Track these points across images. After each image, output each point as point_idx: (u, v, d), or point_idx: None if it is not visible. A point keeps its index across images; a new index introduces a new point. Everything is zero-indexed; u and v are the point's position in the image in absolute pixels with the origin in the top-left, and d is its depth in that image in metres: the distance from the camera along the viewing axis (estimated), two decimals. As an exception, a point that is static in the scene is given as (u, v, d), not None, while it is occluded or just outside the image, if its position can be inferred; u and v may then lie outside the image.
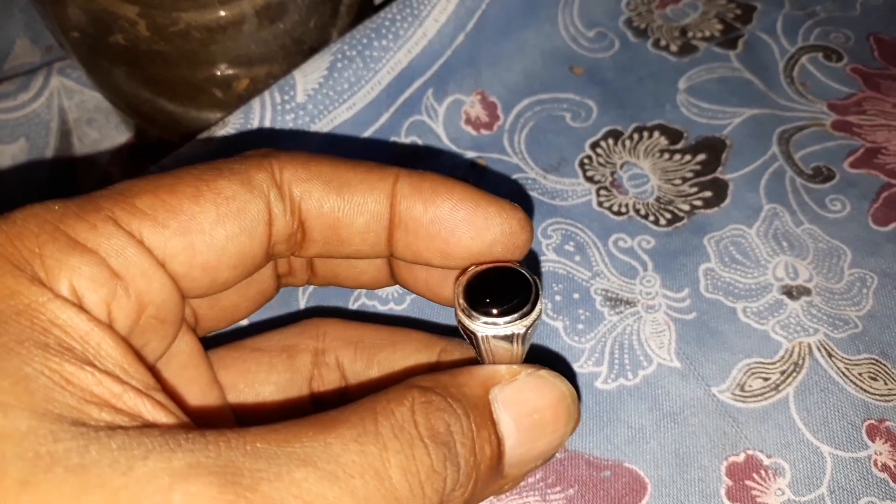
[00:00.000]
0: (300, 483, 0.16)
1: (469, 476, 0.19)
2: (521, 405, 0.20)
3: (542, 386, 0.21)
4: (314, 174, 0.21)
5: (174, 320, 0.20)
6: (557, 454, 0.29)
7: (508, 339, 0.21)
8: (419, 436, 0.18)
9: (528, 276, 0.21)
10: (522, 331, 0.21)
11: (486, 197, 0.22)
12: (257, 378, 0.25)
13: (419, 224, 0.21)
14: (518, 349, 0.21)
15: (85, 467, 0.15)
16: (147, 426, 0.16)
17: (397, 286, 0.33)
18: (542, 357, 0.32)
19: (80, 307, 0.17)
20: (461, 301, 0.21)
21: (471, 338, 0.21)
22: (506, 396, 0.20)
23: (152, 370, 0.20)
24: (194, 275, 0.20)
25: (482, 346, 0.21)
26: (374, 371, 0.25)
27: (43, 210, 0.18)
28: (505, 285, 0.21)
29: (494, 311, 0.21)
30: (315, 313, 0.32)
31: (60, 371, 0.16)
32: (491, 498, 0.28)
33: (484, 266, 0.22)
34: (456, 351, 0.25)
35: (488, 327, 0.21)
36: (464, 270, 0.22)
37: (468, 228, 0.21)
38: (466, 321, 0.21)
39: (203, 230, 0.19)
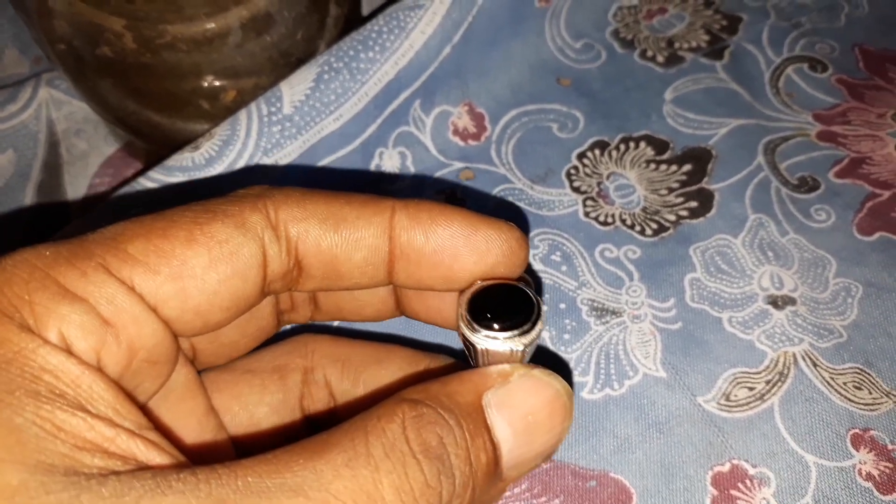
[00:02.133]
0: None
1: (466, 486, 0.19)
2: (515, 408, 0.20)
3: (536, 386, 0.21)
4: (310, 213, 0.21)
5: (167, 360, 0.20)
6: (544, 464, 0.29)
7: (508, 354, 0.21)
8: (411, 452, 0.18)
9: (531, 295, 0.22)
10: (521, 347, 0.21)
11: (483, 219, 0.22)
12: (251, 400, 0.25)
13: (422, 254, 0.22)
14: None
15: None
16: (140, 469, 0.16)
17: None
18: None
19: (70, 352, 0.17)
20: (465, 313, 0.21)
21: (470, 350, 0.22)
22: (499, 400, 0.20)
23: (146, 408, 0.21)
24: (186, 318, 0.20)
25: (481, 361, 0.21)
26: (361, 389, 0.25)
27: (34, 256, 0.18)
28: (508, 302, 0.21)
29: (496, 326, 0.21)
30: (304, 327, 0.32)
31: (52, 419, 0.16)
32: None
33: (489, 282, 0.22)
34: (441, 366, 0.25)
35: (488, 340, 0.21)
36: (470, 284, 0.22)
37: (471, 253, 0.22)
38: (468, 333, 0.21)
39: (195, 275, 0.19)
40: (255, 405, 0.25)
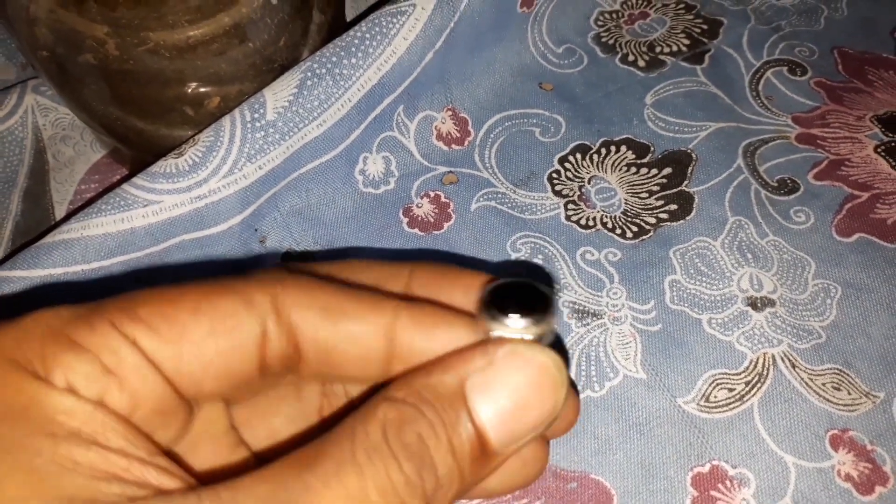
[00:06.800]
0: None
1: (451, 475, 0.19)
2: (498, 388, 0.20)
3: (520, 364, 0.20)
4: (314, 302, 0.22)
5: (176, 412, 0.21)
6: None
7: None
8: (392, 454, 0.18)
9: (543, 290, 0.22)
10: (530, 337, 0.21)
11: None
12: (268, 410, 0.25)
13: (423, 357, 0.22)
14: None
15: None
16: (156, 494, 0.17)
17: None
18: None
19: (78, 395, 0.18)
20: (483, 303, 0.22)
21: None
22: (482, 382, 0.20)
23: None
24: (179, 381, 0.21)
25: None
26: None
27: (51, 316, 0.19)
28: (523, 297, 0.22)
29: (509, 316, 0.21)
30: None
31: (69, 455, 0.17)
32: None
33: (505, 280, 0.22)
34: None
35: (502, 330, 0.21)
36: (489, 280, 0.23)
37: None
38: (487, 321, 0.21)
39: (193, 341, 0.20)
40: (272, 415, 0.25)
